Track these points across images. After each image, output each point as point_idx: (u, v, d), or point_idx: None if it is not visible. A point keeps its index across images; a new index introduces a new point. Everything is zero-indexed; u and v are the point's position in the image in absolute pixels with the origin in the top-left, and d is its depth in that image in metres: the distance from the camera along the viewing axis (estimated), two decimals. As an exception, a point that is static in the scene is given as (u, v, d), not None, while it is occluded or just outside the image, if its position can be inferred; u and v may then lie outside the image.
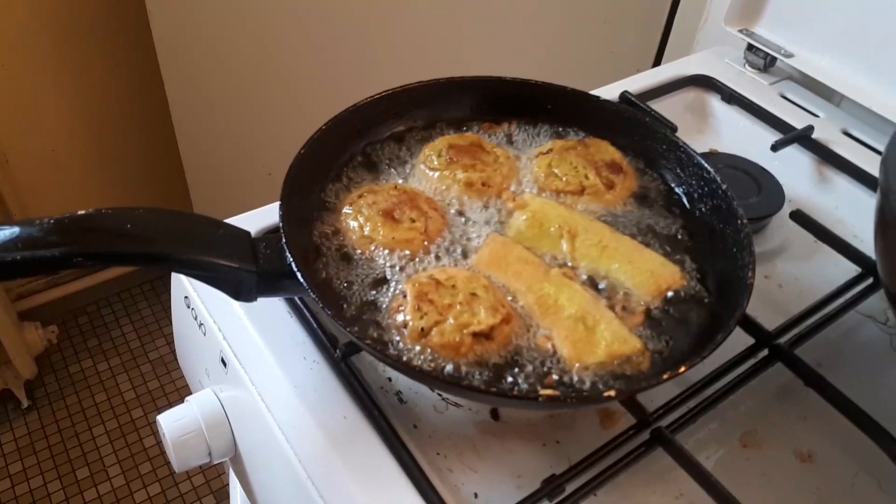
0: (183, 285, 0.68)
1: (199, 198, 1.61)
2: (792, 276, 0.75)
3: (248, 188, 1.53)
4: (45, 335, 1.79)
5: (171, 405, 1.89)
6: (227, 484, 0.66)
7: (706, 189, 0.65)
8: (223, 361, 0.62)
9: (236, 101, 1.41)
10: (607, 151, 0.68)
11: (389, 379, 0.61)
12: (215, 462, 0.66)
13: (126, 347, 1.95)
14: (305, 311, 0.62)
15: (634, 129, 0.70)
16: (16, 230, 0.45)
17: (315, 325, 0.61)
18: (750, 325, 0.63)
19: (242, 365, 0.60)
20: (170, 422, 0.62)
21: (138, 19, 1.37)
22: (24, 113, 1.62)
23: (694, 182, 0.67)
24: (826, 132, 0.87)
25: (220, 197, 1.58)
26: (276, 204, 0.70)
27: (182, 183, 1.57)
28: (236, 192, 1.56)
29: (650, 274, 0.59)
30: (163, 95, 1.40)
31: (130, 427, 1.79)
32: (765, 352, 0.63)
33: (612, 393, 0.48)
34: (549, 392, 0.50)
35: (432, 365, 0.52)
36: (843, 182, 0.83)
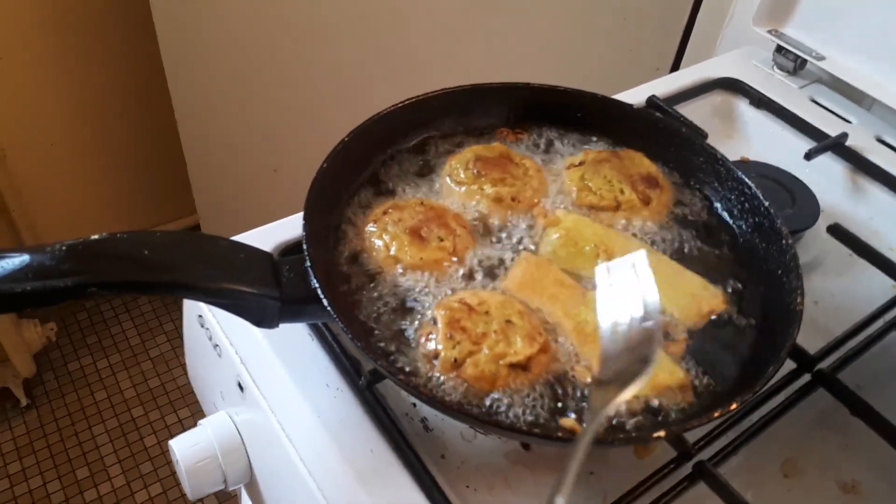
0: (196, 303, 0.64)
1: (201, 194, 1.57)
2: (827, 292, 0.72)
3: (251, 184, 1.50)
4: (43, 332, 1.76)
5: (171, 403, 1.85)
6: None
7: (747, 205, 0.62)
8: (240, 386, 0.59)
9: (239, 95, 1.38)
10: (643, 164, 0.65)
11: (414, 405, 0.58)
12: (231, 489, 0.63)
13: (126, 344, 1.92)
14: (328, 334, 0.59)
15: (670, 140, 0.67)
16: (26, 258, 0.42)
17: (338, 349, 0.58)
18: (793, 350, 0.60)
19: (261, 391, 0.57)
20: (183, 448, 0.59)
21: (141, 13, 1.33)
22: (23, 108, 1.58)
23: (733, 197, 0.64)
24: (859, 139, 0.84)
25: (223, 193, 1.55)
26: (293, 217, 0.68)
27: (185, 179, 1.53)
28: (240, 189, 1.53)
29: (692, 297, 0.56)
30: (165, 90, 1.36)
31: (131, 426, 1.76)
32: (807, 377, 0.60)
33: (663, 434, 0.45)
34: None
35: (466, 399, 0.49)
36: (878, 192, 0.80)
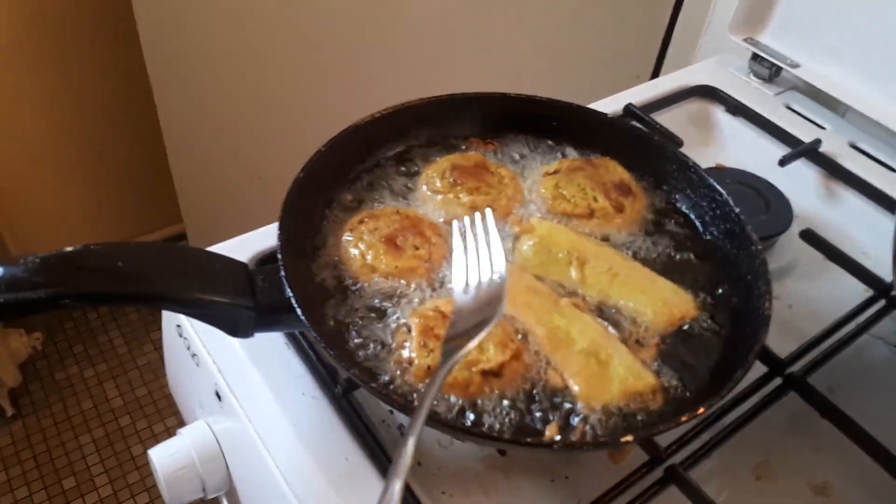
0: (175, 313, 0.65)
1: (187, 203, 1.57)
2: (802, 296, 0.73)
3: (238, 193, 1.50)
4: (29, 342, 1.75)
5: (159, 412, 1.85)
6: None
7: (718, 212, 0.63)
8: (218, 395, 0.60)
9: (224, 105, 1.38)
10: (616, 171, 0.66)
11: (391, 412, 0.59)
12: (210, 497, 0.63)
13: (113, 353, 1.91)
14: (304, 343, 0.60)
15: (643, 148, 0.68)
16: (-1, 270, 0.43)
17: (314, 358, 0.59)
18: (763, 353, 0.61)
19: (238, 400, 0.58)
20: (162, 456, 0.59)
21: (125, 23, 1.33)
22: (6, 119, 1.58)
23: (705, 204, 0.65)
24: (833, 145, 0.85)
25: (209, 202, 1.55)
26: (271, 226, 0.68)
27: (171, 188, 1.53)
28: (226, 197, 1.53)
29: (663, 303, 0.57)
30: (150, 100, 1.36)
31: (118, 435, 1.75)
32: (778, 381, 0.61)
33: (631, 438, 0.46)
34: (568, 439, 0.48)
35: (440, 407, 0.49)
36: (851, 197, 0.81)
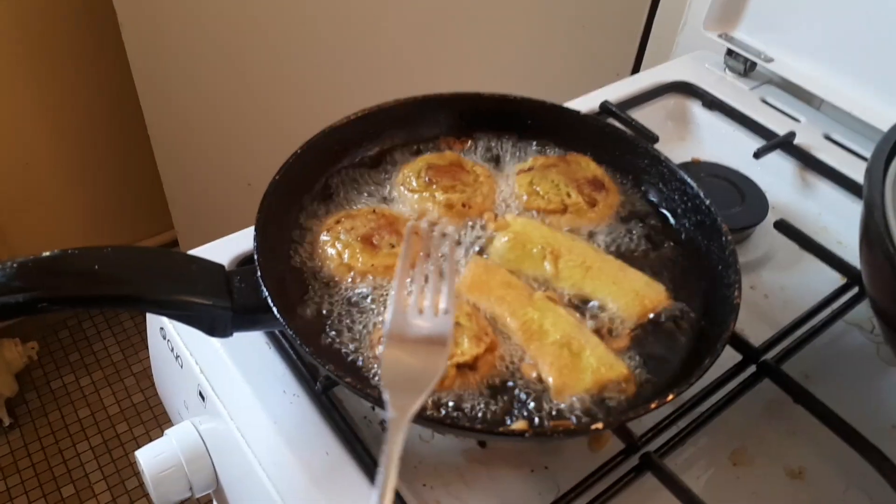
0: (159, 316, 0.66)
1: (177, 209, 1.58)
2: (777, 286, 0.74)
3: (226, 198, 1.51)
4: (24, 351, 1.76)
5: (156, 418, 1.86)
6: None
7: (690, 204, 0.64)
8: (201, 395, 0.61)
9: (211, 111, 1.39)
10: (588, 168, 0.67)
11: (373, 408, 0.60)
12: (198, 496, 0.64)
13: (109, 361, 1.92)
14: (284, 342, 0.61)
15: (616, 144, 0.69)
16: (-23, 276, 0.44)
17: (294, 356, 0.60)
18: (737, 341, 0.62)
19: (221, 399, 0.59)
20: (149, 457, 0.60)
21: (111, 32, 1.34)
22: (-4, 127, 1.59)
23: (677, 197, 0.66)
24: (808, 137, 0.86)
25: (198, 208, 1.56)
26: (249, 229, 0.69)
27: (160, 195, 1.55)
28: (215, 203, 1.54)
29: (635, 294, 0.58)
30: (137, 108, 1.37)
31: (115, 442, 1.76)
32: (752, 368, 0.62)
33: (601, 425, 0.47)
34: (537, 428, 0.49)
35: (415, 399, 0.50)
36: (826, 188, 0.82)
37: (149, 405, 1.84)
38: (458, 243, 0.62)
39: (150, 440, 1.84)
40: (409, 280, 0.52)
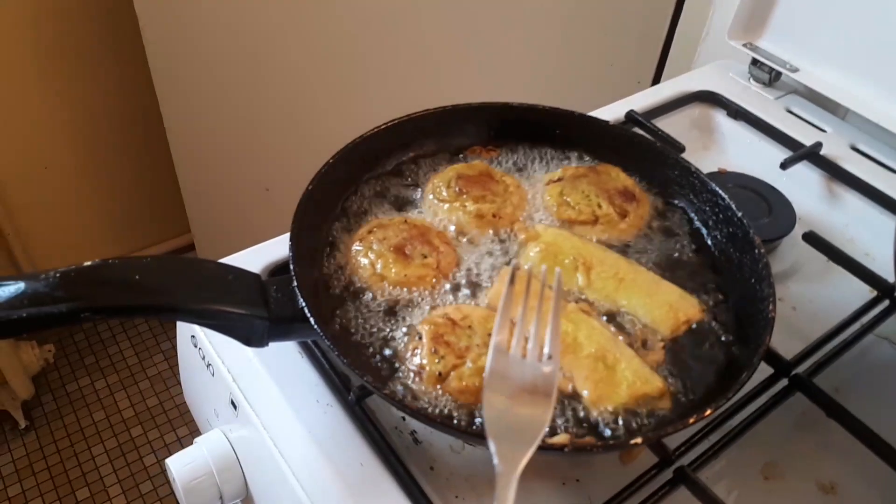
0: (189, 324, 0.66)
1: (195, 213, 1.59)
2: (805, 298, 0.74)
3: (244, 203, 1.51)
4: (41, 354, 1.77)
5: (170, 422, 1.86)
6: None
7: (721, 216, 0.64)
8: (233, 404, 0.61)
9: (230, 116, 1.40)
10: (619, 178, 0.67)
11: (403, 418, 0.60)
12: (226, 505, 0.64)
13: (124, 364, 1.93)
14: (317, 351, 0.61)
15: (645, 155, 0.69)
16: (21, 286, 0.44)
17: (327, 366, 0.60)
18: (768, 355, 0.62)
19: (253, 408, 0.59)
20: (179, 466, 0.61)
21: (131, 36, 1.35)
22: (15, 132, 1.60)
23: (708, 208, 0.66)
24: (834, 148, 0.86)
25: (216, 213, 1.56)
26: (281, 237, 0.70)
27: (178, 199, 1.55)
28: (232, 207, 1.55)
29: (669, 307, 0.58)
30: (156, 110, 1.38)
31: (130, 445, 1.77)
32: (784, 382, 0.62)
33: (640, 440, 0.47)
34: (577, 441, 0.49)
35: (452, 412, 0.50)
36: (852, 199, 0.82)
37: (163, 409, 1.84)
38: (489, 255, 0.62)
39: (165, 444, 1.84)
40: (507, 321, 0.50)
